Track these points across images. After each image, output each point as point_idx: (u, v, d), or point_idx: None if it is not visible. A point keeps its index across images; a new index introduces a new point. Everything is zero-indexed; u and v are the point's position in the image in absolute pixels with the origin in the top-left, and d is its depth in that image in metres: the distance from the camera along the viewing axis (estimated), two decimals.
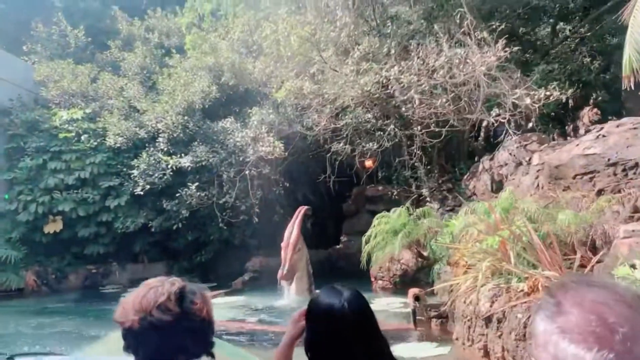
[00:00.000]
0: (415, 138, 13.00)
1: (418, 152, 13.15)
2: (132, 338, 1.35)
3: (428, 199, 12.83)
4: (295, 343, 1.73)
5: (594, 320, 0.74)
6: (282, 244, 10.82)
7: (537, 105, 9.53)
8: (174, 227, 14.51)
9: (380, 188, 15.44)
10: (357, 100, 12.45)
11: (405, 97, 11.71)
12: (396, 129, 13.38)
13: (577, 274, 5.24)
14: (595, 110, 13.62)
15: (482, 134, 14.16)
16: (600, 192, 6.64)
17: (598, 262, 5.39)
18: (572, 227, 5.45)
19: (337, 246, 15.99)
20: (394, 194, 14.09)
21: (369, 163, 15.16)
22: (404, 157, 13.87)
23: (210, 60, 15.15)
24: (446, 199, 12.71)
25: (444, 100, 10.84)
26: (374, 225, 7.30)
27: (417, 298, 7.82)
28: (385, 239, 6.97)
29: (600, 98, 12.40)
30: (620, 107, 13.87)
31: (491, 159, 10.94)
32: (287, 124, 13.98)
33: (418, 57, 10.54)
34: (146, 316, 1.32)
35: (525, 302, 5.02)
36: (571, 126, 14.39)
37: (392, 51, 11.52)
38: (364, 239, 7.59)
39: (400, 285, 11.38)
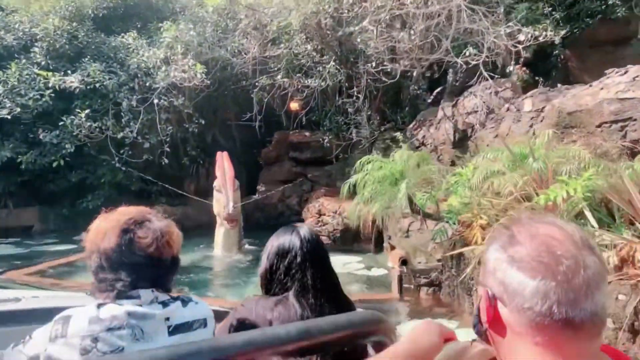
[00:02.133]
0: (361, 77, 11.43)
1: (360, 95, 11.66)
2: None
3: (367, 145, 11.51)
4: None
5: (543, 251, 0.80)
6: (215, 183, 9.11)
7: (520, 47, 8.43)
8: (53, 165, 11.42)
9: (307, 134, 13.73)
10: (303, 23, 10.43)
11: (361, 26, 10.00)
12: (338, 66, 11.68)
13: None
14: (524, 68, 13.15)
15: (415, 81, 13.02)
16: (636, 143, 5.67)
17: None
18: None
19: (253, 196, 14.10)
20: (325, 140, 12.59)
21: (294, 105, 13.31)
22: (342, 99, 12.28)
23: None
24: (389, 148, 11.44)
25: (411, 33, 9.34)
26: (362, 171, 5.66)
27: (404, 262, 6.43)
28: (379, 189, 5.39)
29: (561, 55, 11.78)
30: (551, 68, 13.53)
31: (454, 106, 9.78)
32: (208, 46, 11.48)
33: None
34: (95, 241, 1.40)
35: (619, 277, 3.79)
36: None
37: None
38: (345, 187, 5.92)
39: (341, 241, 10.07)
